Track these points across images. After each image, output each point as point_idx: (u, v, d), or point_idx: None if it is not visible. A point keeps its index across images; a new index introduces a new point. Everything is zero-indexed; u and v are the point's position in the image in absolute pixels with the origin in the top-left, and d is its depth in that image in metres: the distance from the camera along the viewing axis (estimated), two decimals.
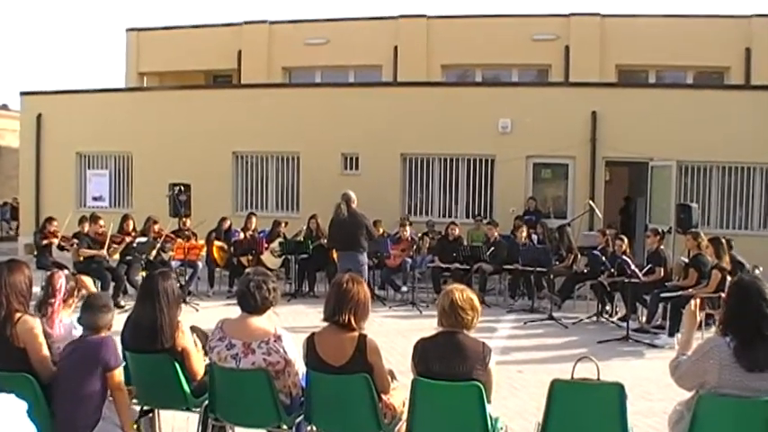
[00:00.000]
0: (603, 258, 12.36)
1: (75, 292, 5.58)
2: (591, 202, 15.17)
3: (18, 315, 4.88)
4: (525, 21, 22.96)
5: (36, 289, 5.36)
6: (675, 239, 15.14)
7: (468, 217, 17.83)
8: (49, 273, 5.52)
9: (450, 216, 17.90)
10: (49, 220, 14.04)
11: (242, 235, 15.36)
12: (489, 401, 4.56)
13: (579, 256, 14.02)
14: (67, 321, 5.29)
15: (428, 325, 10.62)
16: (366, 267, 11.72)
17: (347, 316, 4.77)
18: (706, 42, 21.30)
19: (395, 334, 10.74)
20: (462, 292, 4.68)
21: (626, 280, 11.31)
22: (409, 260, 14.50)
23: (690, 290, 10.65)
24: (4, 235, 30.20)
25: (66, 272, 5.59)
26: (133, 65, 26.76)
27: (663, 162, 16.50)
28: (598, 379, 4.62)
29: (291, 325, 11.12)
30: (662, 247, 12.05)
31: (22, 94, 22.00)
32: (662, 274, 11.59)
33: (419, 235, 15.48)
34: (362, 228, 11.54)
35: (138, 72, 26.73)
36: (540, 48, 22.74)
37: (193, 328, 5.76)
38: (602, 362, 4.90)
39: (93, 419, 4.67)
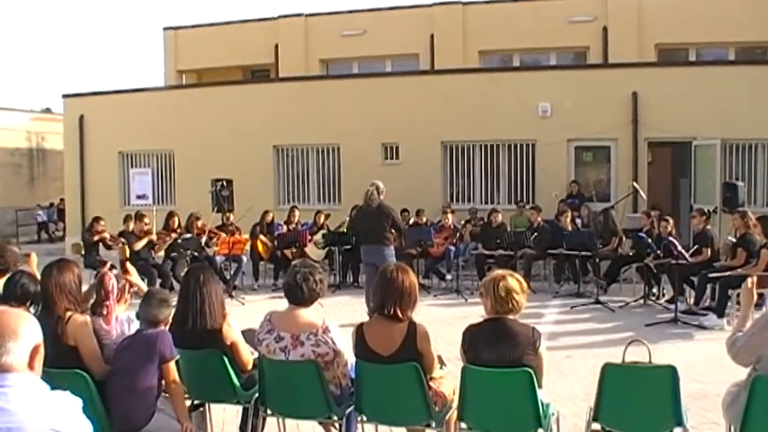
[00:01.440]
0: (649, 240, 12.21)
1: (127, 289, 5.64)
2: (635, 183, 15.00)
3: (68, 314, 4.95)
4: (561, 3, 22.67)
5: (85, 287, 5.43)
6: (722, 219, 14.92)
7: (510, 203, 17.72)
8: (97, 273, 5.56)
9: (492, 202, 17.84)
10: (97, 219, 14.18)
11: (285, 228, 15.45)
12: (540, 386, 4.53)
13: (624, 238, 13.88)
14: (123, 317, 5.35)
15: (474, 312, 10.59)
16: (394, 259, 11.36)
17: (395, 306, 4.76)
18: (747, 17, 20.84)
19: (440, 322, 10.72)
20: (512, 276, 4.66)
21: (672, 261, 11.12)
22: (453, 248, 14.46)
23: (738, 270, 10.50)
24: (51, 236, 30.70)
25: (115, 271, 5.64)
26: (171, 63, 27.02)
27: (706, 141, 16.24)
28: (650, 362, 4.58)
29: (336, 316, 11.17)
30: (708, 227, 11.88)
31: (64, 96, 22.36)
32: (709, 254, 11.43)
33: (461, 222, 15.43)
34: (388, 220, 11.03)
35: (176, 70, 27.00)
36: (577, 30, 22.50)
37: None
38: (651, 345, 4.84)
39: (148, 413, 4.72)
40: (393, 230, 11.13)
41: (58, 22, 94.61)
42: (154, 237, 13.66)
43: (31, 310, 5.31)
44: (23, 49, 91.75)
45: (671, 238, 11.39)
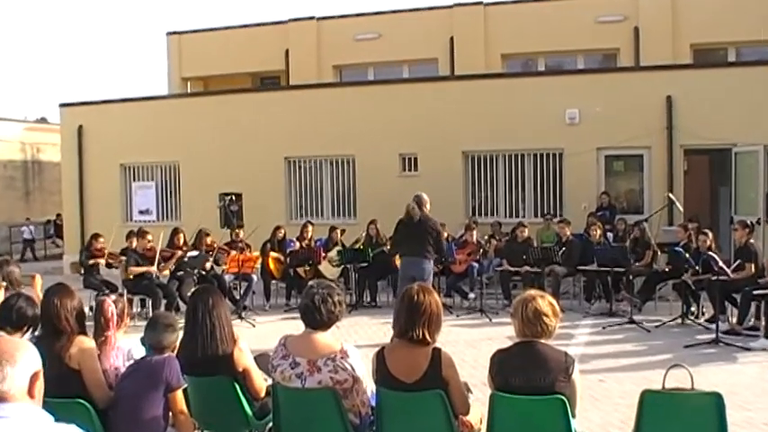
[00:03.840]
0: (687, 255, 12.11)
1: (125, 313, 5.65)
2: (670, 194, 14.92)
3: (73, 336, 5.01)
4: (589, 2, 22.68)
5: (85, 309, 5.45)
6: (765, 231, 14.81)
7: (536, 216, 17.70)
8: (98, 296, 5.57)
9: (517, 216, 17.80)
10: (95, 236, 14.18)
11: (298, 245, 15.45)
12: (574, 415, 4.49)
13: (659, 253, 13.80)
14: (125, 346, 5.36)
15: (499, 333, 10.66)
16: (432, 276, 11.55)
17: (421, 330, 4.71)
18: None
19: (464, 344, 10.73)
20: (543, 298, 4.63)
21: (713, 277, 11.06)
22: (476, 265, 14.41)
23: None
24: (48, 254, 30.79)
25: (113, 297, 5.65)
26: (176, 70, 27.20)
27: (748, 147, 16.09)
28: (692, 388, 4.53)
29: (353, 338, 11.15)
30: (751, 240, 11.77)
31: (62, 105, 22.51)
32: (753, 269, 11.30)
33: (485, 237, 15.37)
34: (432, 234, 11.27)
35: (181, 77, 27.19)
36: (606, 30, 22.48)
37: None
38: (690, 368, 4.77)
39: None
40: (433, 245, 11.34)
41: (53, 26, 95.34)
42: (153, 269, 13.53)
43: (28, 335, 5.34)
44: (17, 56, 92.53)
45: (710, 253, 11.32)
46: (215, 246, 14.48)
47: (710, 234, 12.29)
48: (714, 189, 20.04)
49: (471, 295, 14.42)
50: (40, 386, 2.79)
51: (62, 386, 4.71)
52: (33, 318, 5.33)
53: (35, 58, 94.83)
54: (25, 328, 5.33)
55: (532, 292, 4.75)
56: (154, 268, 13.50)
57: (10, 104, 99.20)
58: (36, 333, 5.38)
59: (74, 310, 5.12)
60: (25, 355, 2.77)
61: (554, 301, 4.68)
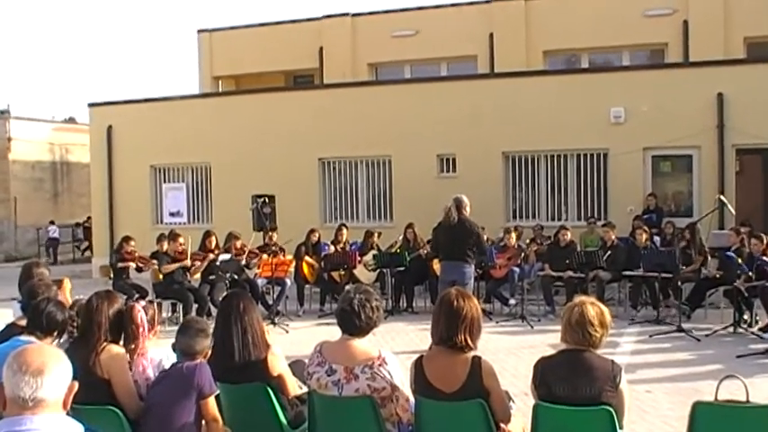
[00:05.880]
0: (739, 260, 11.99)
1: (156, 319, 5.68)
2: (721, 196, 14.75)
3: (103, 345, 5.05)
4: None
5: None
6: None
7: (579, 219, 17.60)
8: (125, 306, 5.58)
9: (559, 219, 17.71)
10: (126, 239, 14.28)
11: (332, 248, 15.47)
12: (621, 427, 4.45)
13: (709, 258, 13.66)
14: (157, 357, 5.39)
15: (540, 341, 10.61)
16: (472, 281, 11.55)
17: (462, 336, 4.70)
18: None
19: (504, 352, 10.67)
20: (593, 306, 4.59)
21: (767, 284, 10.94)
22: (517, 270, 14.34)
23: None
24: (77, 257, 30.98)
25: (142, 303, 5.69)
26: (207, 69, 27.37)
27: None
28: (747, 400, 4.47)
29: (390, 345, 11.15)
30: None
31: (91, 105, 22.70)
32: None
33: (526, 241, 15.31)
34: (472, 237, 11.27)
35: (212, 76, 27.36)
36: (653, 24, 22.31)
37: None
38: (744, 379, 4.71)
39: None
40: (475, 249, 11.38)
41: (81, 24, 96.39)
42: (188, 262, 13.70)
43: (57, 340, 5.38)
44: (44, 55, 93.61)
45: (764, 258, 11.19)
46: (245, 249, 14.54)
47: (764, 238, 12.14)
48: None
49: (512, 301, 14.37)
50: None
51: (90, 395, 4.75)
52: (63, 322, 5.37)
53: (63, 56, 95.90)
54: (55, 333, 5.38)
55: (584, 298, 4.72)
56: (188, 261, 13.68)
57: (38, 104, 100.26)
58: (63, 339, 5.43)
59: (109, 318, 5.18)
60: (61, 365, 2.81)
61: (605, 311, 4.63)
